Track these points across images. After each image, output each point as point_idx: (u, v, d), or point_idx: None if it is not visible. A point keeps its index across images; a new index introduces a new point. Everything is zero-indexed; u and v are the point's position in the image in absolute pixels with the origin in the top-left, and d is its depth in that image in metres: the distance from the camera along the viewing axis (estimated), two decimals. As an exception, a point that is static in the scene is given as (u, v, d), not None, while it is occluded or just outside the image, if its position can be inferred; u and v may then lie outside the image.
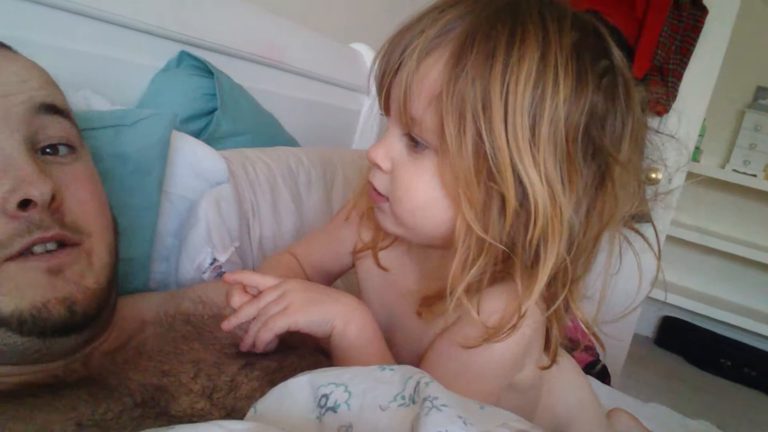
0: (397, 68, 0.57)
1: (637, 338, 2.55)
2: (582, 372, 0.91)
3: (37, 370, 0.56)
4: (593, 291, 0.63)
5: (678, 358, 2.95)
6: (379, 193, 0.64)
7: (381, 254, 0.73)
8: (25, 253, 0.52)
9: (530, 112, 0.52)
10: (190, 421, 0.53)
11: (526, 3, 0.55)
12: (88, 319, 0.56)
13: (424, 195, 0.60)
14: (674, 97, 2.01)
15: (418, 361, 0.68)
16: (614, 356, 2.14)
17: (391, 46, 0.59)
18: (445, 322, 0.66)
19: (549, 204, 0.53)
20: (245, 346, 0.64)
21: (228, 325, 0.64)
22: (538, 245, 0.55)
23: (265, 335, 0.62)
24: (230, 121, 1.12)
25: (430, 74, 0.55)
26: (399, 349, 0.72)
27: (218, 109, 1.09)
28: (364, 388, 0.41)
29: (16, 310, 0.50)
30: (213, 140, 1.06)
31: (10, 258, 0.51)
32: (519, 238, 0.56)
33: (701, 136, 2.72)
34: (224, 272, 0.90)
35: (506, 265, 0.59)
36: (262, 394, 0.49)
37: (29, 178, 0.51)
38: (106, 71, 0.99)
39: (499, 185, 0.54)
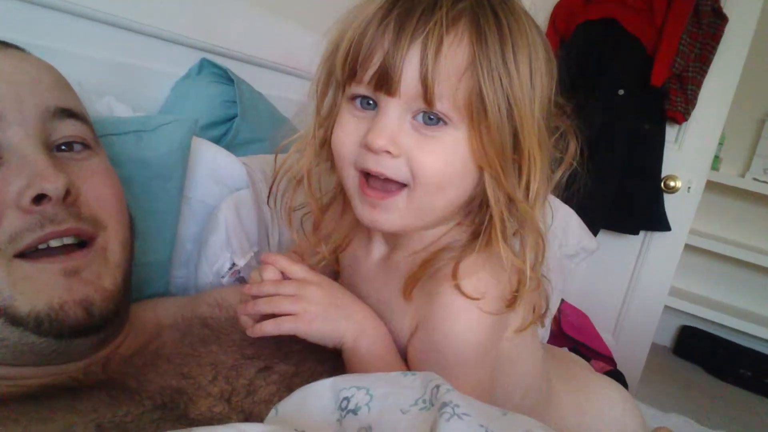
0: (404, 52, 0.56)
1: (655, 348, 2.52)
2: (618, 389, 0.90)
3: (56, 373, 0.56)
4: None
5: (697, 368, 2.90)
6: (392, 182, 0.61)
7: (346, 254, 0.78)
8: (43, 248, 0.52)
9: (530, 78, 0.60)
10: (209, 425, 0.53)
11: None
12: (106, 320, 0.56)
13: (454, 168, 0.60)
14: (693, 105, 1.99)
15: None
16: (632, 365, 2.11)
17: (382, 33, 0.57)
18: (415, 314, 0.66)
19: (537, 153, 0.61)
20: (248, 313, 0.66)
21: (248, 290, 0.67)
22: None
23: (270, 329, 0.63)
24: (249, 128, 1.13)
25: (456, 51, 0.56)
26: None
27: (238, 116, 1.10)
28: (386, 391, 0.41)
29: (33, 310, 0.50)
30: (232, 146, 1.07)
31: (23, 255, 0.51)
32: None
33: (720, 144, 2.69)
34: (243, 277, 0.90)
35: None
36: (280, 398, 0.49)
37: (43, 173, 0.52)
38: (129, 79, 1.00)
39: (522, 143, 0.60)
